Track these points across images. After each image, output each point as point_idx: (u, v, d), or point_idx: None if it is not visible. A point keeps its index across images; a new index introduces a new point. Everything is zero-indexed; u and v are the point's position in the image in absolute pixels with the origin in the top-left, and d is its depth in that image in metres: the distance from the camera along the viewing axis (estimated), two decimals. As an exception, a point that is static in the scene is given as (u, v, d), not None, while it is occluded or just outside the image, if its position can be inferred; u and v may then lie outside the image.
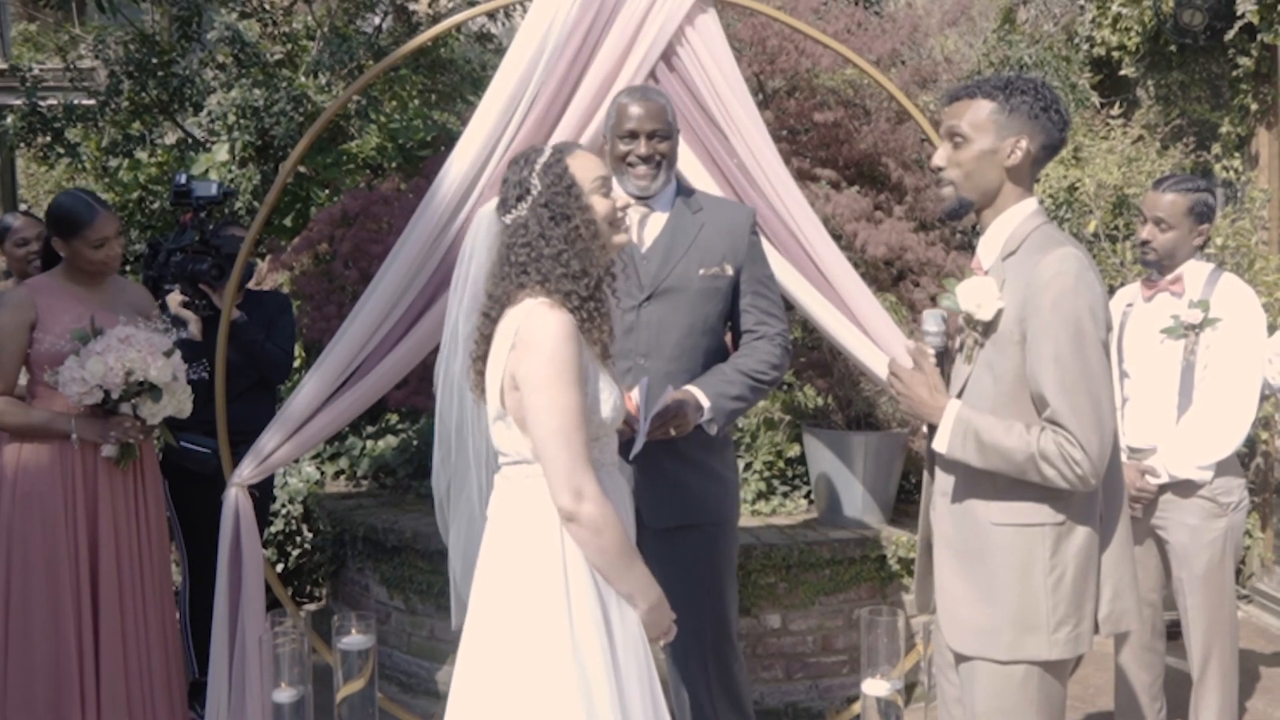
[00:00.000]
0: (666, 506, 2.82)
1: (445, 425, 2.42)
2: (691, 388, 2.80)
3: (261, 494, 3.87)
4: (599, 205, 2.17)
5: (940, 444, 2.20)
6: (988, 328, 2.19)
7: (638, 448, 2.60)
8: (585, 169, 2.17)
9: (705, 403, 2.79)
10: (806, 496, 4.61)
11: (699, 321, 2.89)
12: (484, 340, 2.18)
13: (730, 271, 2.92)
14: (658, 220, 2.93)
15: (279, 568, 5.14)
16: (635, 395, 2.62)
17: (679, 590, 2.67)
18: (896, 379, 2.28)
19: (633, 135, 2.88)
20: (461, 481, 2.43)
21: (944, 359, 2.32)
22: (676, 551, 2.75)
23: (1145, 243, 3.30)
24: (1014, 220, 2.24)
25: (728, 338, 3.11)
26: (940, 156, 2.27)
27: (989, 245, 2.28)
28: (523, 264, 2.11)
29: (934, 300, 4.69)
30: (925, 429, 2.40)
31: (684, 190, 3.01)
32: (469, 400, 2.33)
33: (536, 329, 2.04)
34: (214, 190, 3.98)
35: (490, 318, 2.16)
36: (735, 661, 3.03)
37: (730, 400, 2.83)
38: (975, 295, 2.19)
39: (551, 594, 2.06)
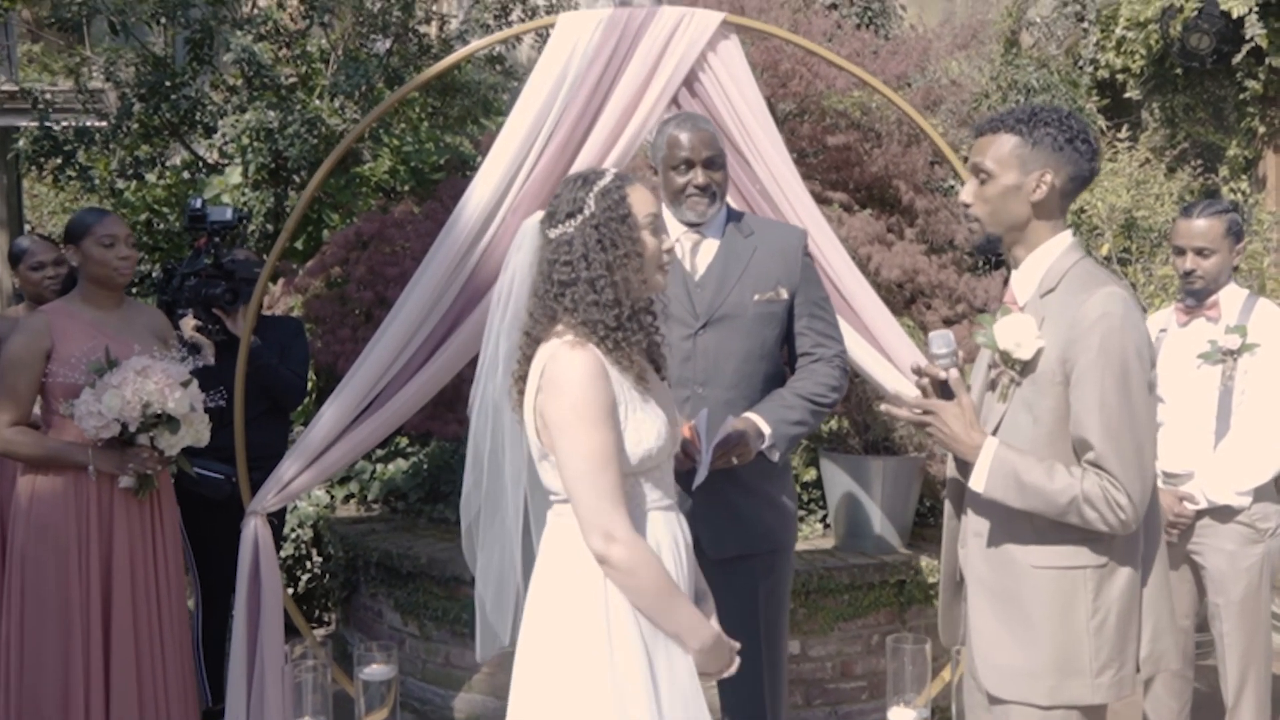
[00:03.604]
0: (727, 536, 2.79)
1: (479, 449, 2.35)
2: (751, 415, 2.77)
3: (274, 519, 3.85)
4: (648, 242, 2.14)
5: (978, 483, 2.15)
6: (1026, 366, 2.15)
7: (700, 478, 2.57)
8: (642, 203, 2.14)
9: (766, 429, 2.75)
10: (824, 521, 4.60)
11: (756, 347, 2.86)
12: (525, 359, 2.15)
13: (785, 295, 2.89)
14: (710, 247, 2.90)
15: (288, 592, 5.10)
16: (696, 425, 2.60)
17: (738, 619, 2.65)
18: (930, 413, 2.20)
19: (688, 164, 2.84)
20: (494, 507, 2.39)
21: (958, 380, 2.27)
22: (736, 580, 2.74)
23: (1189, 273, 3.29)
24: (1050, 256, 2.21)
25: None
26: (967, 193, 2.25)
27: (1024, 281, 2.24)
28: (562, 283, 2.08)
29: (945, 323, 4.72)
30: (951, 462, 2.37)
31: (733, 215, 2.99)
32: (505, 423, 2.29)
33: (560, 371, 2.02)
34: (229, 215, 3.97)
35: (530, 336, 2.13)
36: (785, 691, 3.02)
37: (791, 425, 2.80)
38: (1014, 333, 2.15)
39: (594, 636, 2.03)
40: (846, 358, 3.02)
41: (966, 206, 2.25)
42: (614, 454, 2.02)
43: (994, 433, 2.21)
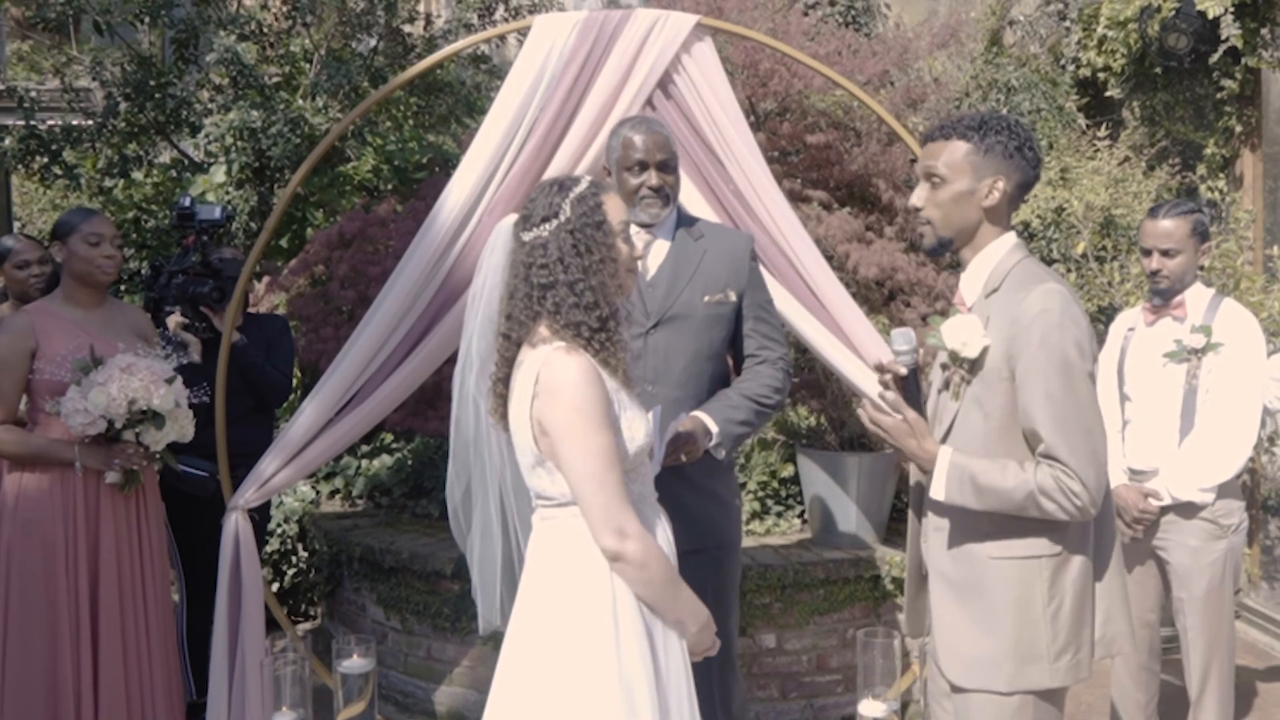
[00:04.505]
0: (677, 532, 2.83)
1: (462, 437, 2.44)
2: (699, 413, 2.84)
3: (258, 514, 3.90)
4: (621, 249, 2.19)
5: (938, 492, 2.22)
6: (974, 365, 2.22)
7: (652, 474, 2.63)
8: (615, 211, 2.19)
9: (713, 428, 2.82)
10: (800, 516, 4.65)
11: (704, 347, 2.93)
12: (504, 363, 2.19)
13: (733, 298, 2.97)
14: (660, 248, 2.97)
15: (274, 587, 5.16)
16: (650, 422, 2.66)
17: None
18: (883, 431, 2.28)
19: (642, 166, 2.90)
20: (479, 492, 2.47)
21: (916, 376, 2.33)
22: (685, 575, 2.79)
23: (1156, 272, 3.35)
24: (994, 257, 2.28)
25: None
26: (918, 196, 2.31)
27: (971, 282, 2.31)
28: (542, 286, 2.12)
29: (924, 320, 4.77)
30: (915, 467, 2.43)
31: (685, 218, 3.05)
32: (485, 413, 2.35)
33: (557, 376, 2.05)
34: (217, 213, 4.01)
35: (510, 339, 2.17)
36: (737, 684, 3.07)
37: (737, 425, 2.88)
38: (960, 333, 2.22)
39: (601, 636, 2.07)
40: (790, 361, 3.09)
41: (917, 210, 2.31)
42: (616, 453, 2.07)
43: (949, 430, 2.28)
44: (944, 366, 2.32)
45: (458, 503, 2.51)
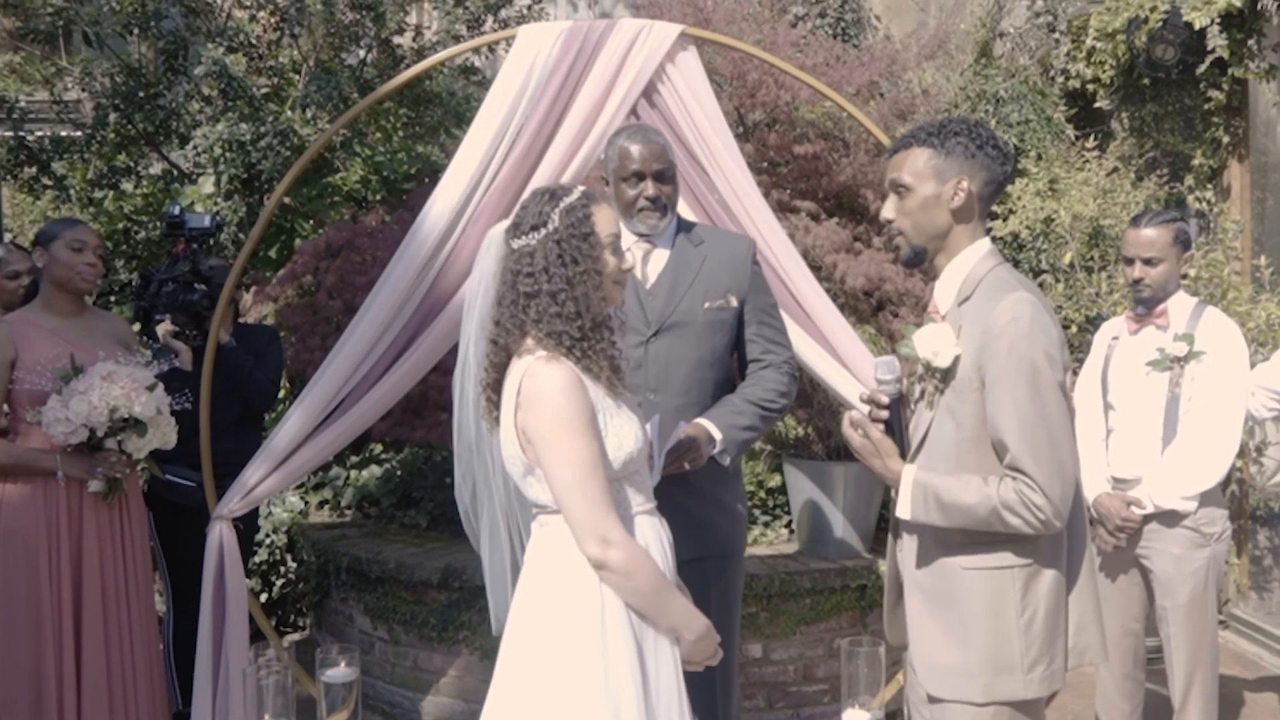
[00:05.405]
0: (680, 539, 2.82)
1: (464, 440, 2.45)
2: (703, 420, 2.83)
3: (245, 524, 3.90)
4: (609, 261, 2.19)
5: (903, 510, 2.23)
6: (946, 374, 2.22)
7: (652, 483, 2.63)
8: (605, 222, 2.19)
9: (717, 435, 2.81)
10: (787, 526, 4.65)
11: (706, 354, 2.92)
12: (493, 368, 2.20)
13: (735, 303, 2.95)
14: (660, 256, 2.96)
15: (263, 597, 5.15)
16: (648, 431, 2.66)
17: None
18: (854, 449, 2.31)
19: (639, 176, 2.89)
20: (482, 495, 2.48)
21: (900, 404, 2.33)
22: (688, 583, 2.80)
23: (1138, 281, 3.35)
24: (968, 264, 2.27)
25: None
26: (888, 209, 2.31)
27: (945, 289, 2.30)
28: (527, 295, 2.13)
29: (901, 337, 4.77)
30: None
31: (684, 225, 3.04)
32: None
33: (538, 386, 2.06)
34: (207, 222, 4.02)
35: (499, 346, 2.18)
36: (736, 691, 3.07)
37: (741, 431, 2.86)
38: (932, 343, 2.22)
39: (588, 644, 2.07)
40: (795, 364, 3.07)
41: (889, 222, 2.31)
42: (599, 461, 2.07)
43: (923, 439, 2.28)
44: (919, 378, 2.32)
45: (468, 504, 2.52)
